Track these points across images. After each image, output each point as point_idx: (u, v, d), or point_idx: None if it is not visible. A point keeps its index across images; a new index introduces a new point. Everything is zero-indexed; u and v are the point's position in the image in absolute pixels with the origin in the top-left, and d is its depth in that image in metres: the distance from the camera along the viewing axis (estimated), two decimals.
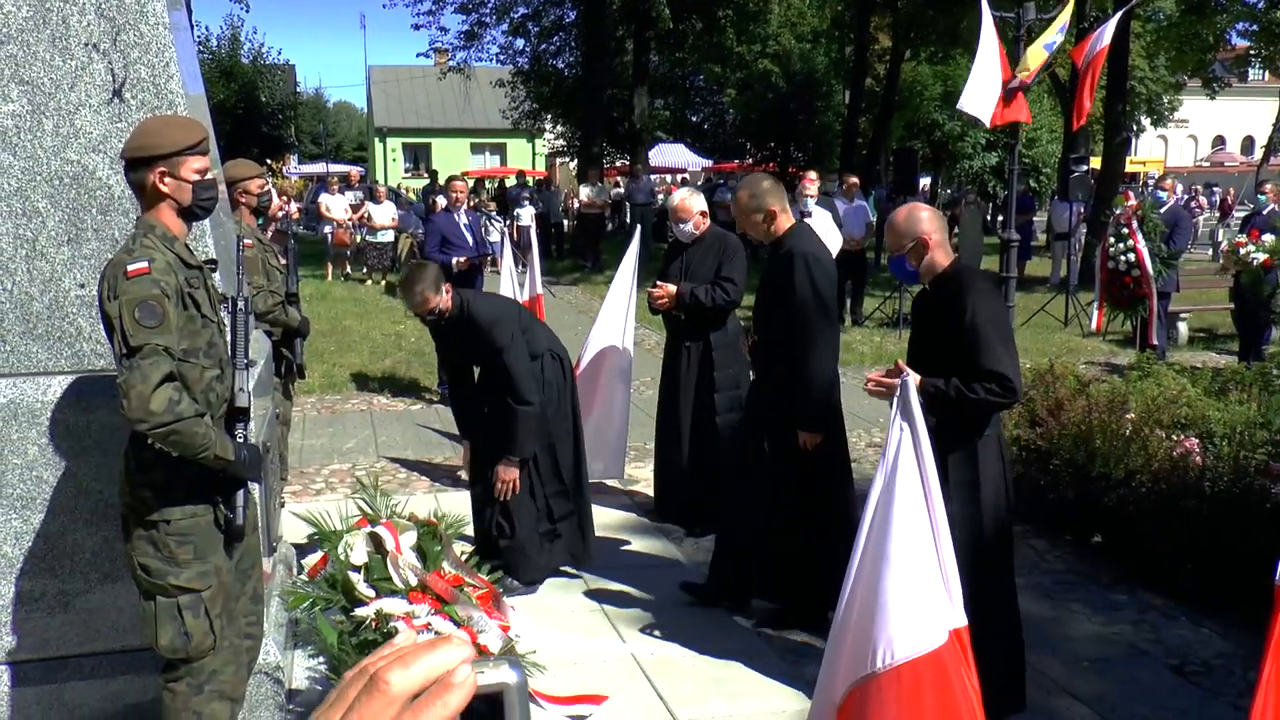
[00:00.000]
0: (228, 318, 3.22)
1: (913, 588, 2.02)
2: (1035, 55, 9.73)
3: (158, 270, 2.83)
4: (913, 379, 2.13)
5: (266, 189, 5.52)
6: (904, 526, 2.08)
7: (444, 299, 4.97)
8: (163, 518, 2.95)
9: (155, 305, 2.78)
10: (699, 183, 30.61)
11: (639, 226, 7.31)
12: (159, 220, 2.97)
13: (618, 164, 33.48)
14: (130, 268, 2.80)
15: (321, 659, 3.91)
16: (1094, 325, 11.26)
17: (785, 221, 4.74)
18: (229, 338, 3.18)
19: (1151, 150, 50.86)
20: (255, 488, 3.52)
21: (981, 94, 9.28)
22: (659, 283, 6.00)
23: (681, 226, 5.94)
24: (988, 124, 10.06)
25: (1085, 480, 6.05)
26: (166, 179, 2.94)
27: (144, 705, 3.45)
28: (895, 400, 2.15)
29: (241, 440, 3.08)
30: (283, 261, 5.46)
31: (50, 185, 3.50)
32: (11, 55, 3.45)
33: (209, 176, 3.04)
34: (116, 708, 3.66)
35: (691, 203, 5.94)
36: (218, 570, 3.06)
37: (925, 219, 3.73)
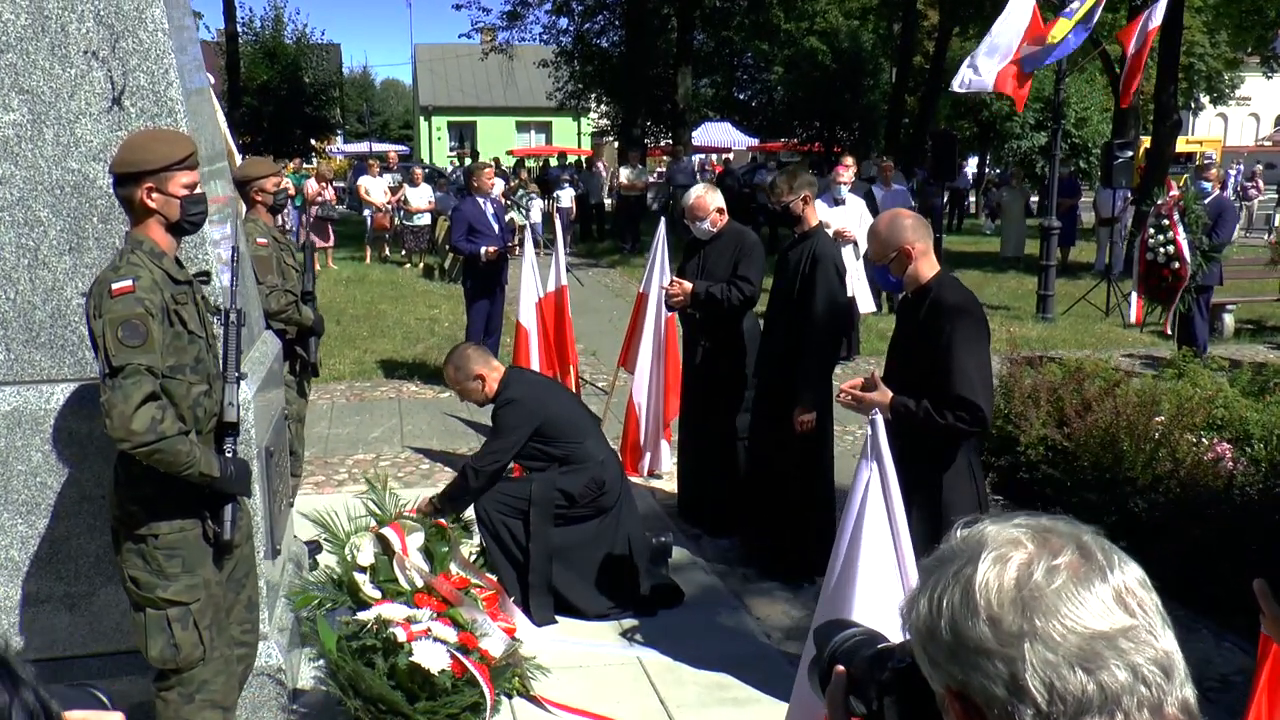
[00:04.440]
0: (220, 330, 3.23)
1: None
2: (1061, 28, 9.60)
3: (142, 288, 2.84)
4: (881, 419, 2.07)
5: (283, 187, 5.54)
6: (870, 571, 2.03)
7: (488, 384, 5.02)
8: (151, 532, 2.98)
9: (139, 324, 2.79)
10: (744, 162, 30.40)
11: (663, 219, 7.19)
12: (147, 236, 2.98)
13: (663, 143, 33.33)
14: (115, 286, 2.81)
15: (324, 661, 3.93)
16: (1133, 318, 11.06)
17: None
18: (220, 350, 3.19)
19: (1210, 129, 49.59)
20: (252, 497, 3.54)
21: (989, 60, 9.26)
22: (675, 279, 5.96)
23: (699, 224, 5.87)
24: (990, 88, 10.04)
25: (1111, 484, 5.92)
26: (154, 194, 2.95)
27: (149, 705, 3.47)
28: (866, 440, 2.09)
29: (230, 455, 3.10)
30: (299, 259, 5.48)
31: (52, 195, 3.53)
32: (11, 64, 3.47)
33: (198, 191, 3.04)
34: (121, 707, 3.70)
35: (708, 199, 5.87)
36: (206, 583, 3.08)
37: (908, 228, 3.64)
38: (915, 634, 1.07)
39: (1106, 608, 0.97)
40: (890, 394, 3.61)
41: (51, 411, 3.55)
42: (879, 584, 2.03)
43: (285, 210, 5.37)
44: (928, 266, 3.67)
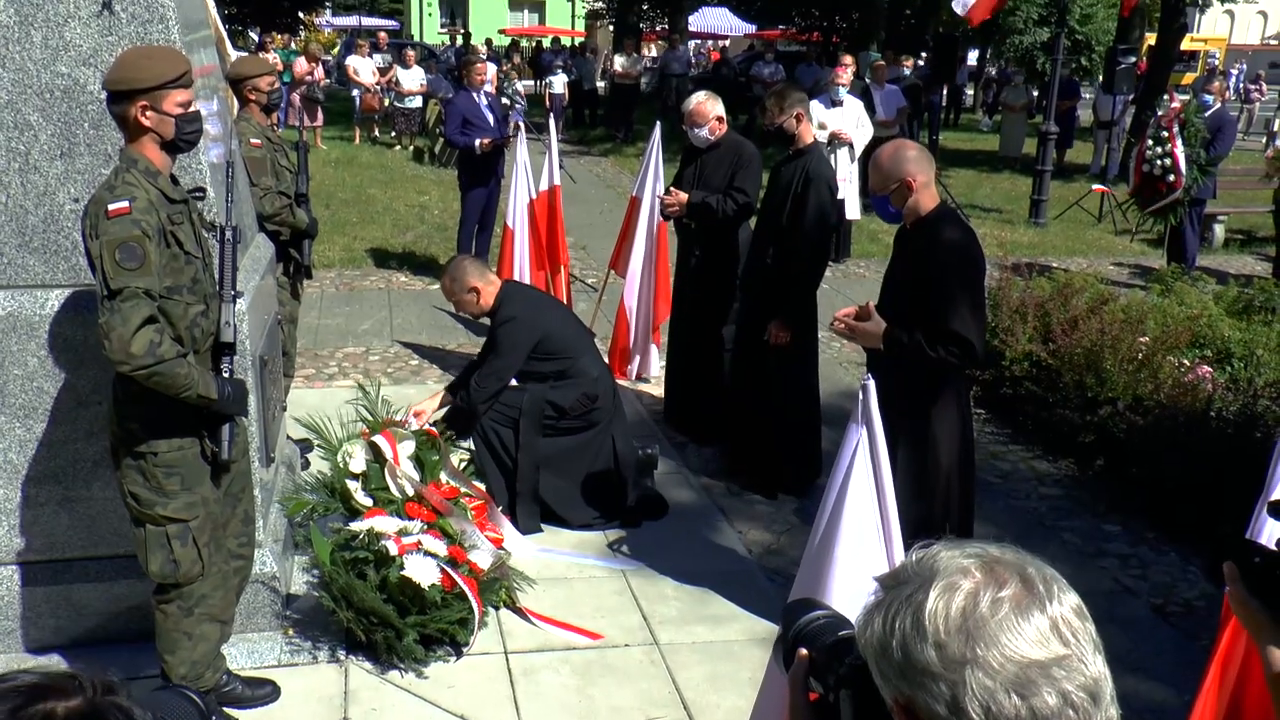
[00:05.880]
0: (215, 247, 3.22)
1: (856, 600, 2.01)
2: None
3: (138, 209, 2.82)
4: (873, 384, 2.09)
5: (276, 87, 5.42)
6: (850, 543, 2.07)
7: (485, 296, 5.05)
8: (150, 450, 3.02)
9: (136, 246, 2.79)
10: (740, 50, 29.80)
11: (658, 125, 7.08)
12: (142, 154, 2.94)
13: (658, 27, 32.52)
14: (111, 207, 2.79)
15: (317, 571, 4.02)
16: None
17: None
18: (216, 268, 3.19)
19: (1216, 26, 48.55)
20: (248, 415, 3.57)
21: None
22: (671, 189, 5.93)
23: (697, 131, 5.80)
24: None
25: (1092, 403, 6.01)
26: (148, 113, 2.91)
27: (146, 608, 3.58)
28: (857, 404, 2.11)
29: (227, 375, 3.12)
30: (293, 159, 5.40)
31: (41, 99, 3.47)
32: None
33: (192, 109, 2.99)
34: (120, 609, 3.82)
35: (709, 106, 5.78)
36: (205, 500, 3.14)
37: (911, 159, 3.62)
38: (869, 648, 1.14)
39: (1043, 638, 1.04)
40: (884, 324, 3.64)
41: (46, 317, 3.56)
42: (858, 557, 2.08)
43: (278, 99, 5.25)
44: (929, 199, 3.66)
